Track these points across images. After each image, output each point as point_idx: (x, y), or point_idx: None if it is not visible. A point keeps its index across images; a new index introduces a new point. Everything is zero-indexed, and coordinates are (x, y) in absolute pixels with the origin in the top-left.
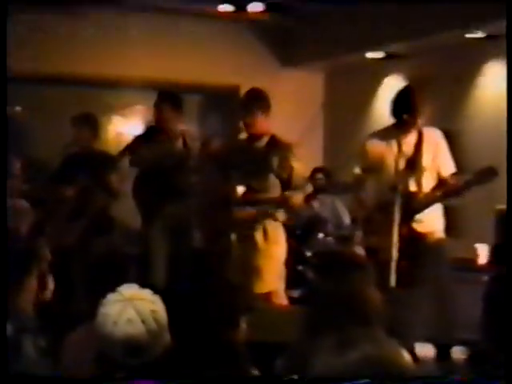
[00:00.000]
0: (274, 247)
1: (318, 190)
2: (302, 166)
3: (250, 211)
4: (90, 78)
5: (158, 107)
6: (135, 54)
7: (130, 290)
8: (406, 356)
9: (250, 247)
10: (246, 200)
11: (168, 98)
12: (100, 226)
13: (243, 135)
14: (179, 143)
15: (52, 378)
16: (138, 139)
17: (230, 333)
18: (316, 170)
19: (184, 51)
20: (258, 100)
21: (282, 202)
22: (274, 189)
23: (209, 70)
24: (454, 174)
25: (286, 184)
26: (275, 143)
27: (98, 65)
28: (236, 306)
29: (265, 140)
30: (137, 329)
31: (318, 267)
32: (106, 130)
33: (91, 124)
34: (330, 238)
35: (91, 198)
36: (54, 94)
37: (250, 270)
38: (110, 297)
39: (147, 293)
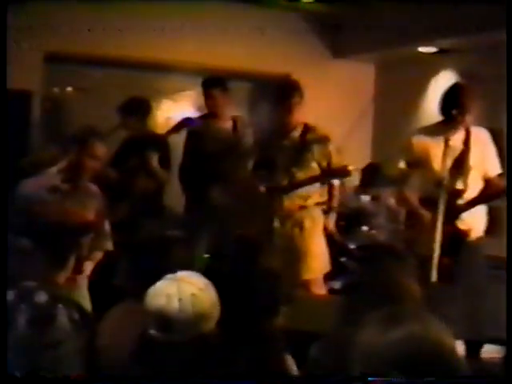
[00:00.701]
0: (320, 234)
1: (366, 183)
2: (339, 153)
3: (297, 198)
4: (141, 62)
5: (207, 92)
6: (186, 39)
7: (186, 273)
8: (452, 338)
9: (296, 233)
10: (294, 184)
11: (215, 82)
12: (147, 208)
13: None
14: (230, 128)
15: (52, 378)
16: (185, 120)
17: (268, 321)
18: (369, 166)
19: (235, 38)
20: (293, 89)
21: (331, 173)
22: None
23: (259, 58)
24: (500, 175)
25: (326, 172)
26: (310, 131)
27: (149, 49)
28: (277, 295)
29: (299, 129)
30: (170, 304)
31: (360, 259)
32: (156, 115)
33: (140, 110)
34: (373, 231)
35: (135, 179)
36: (104, 77)
37: (296, 256)
38: (167, 276)
39: (201, 281)
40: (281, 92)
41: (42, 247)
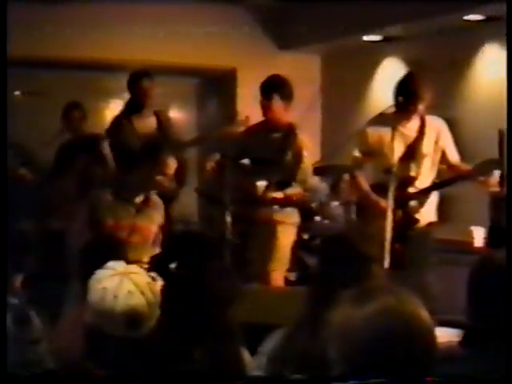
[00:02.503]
0: (291, 227)
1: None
2: (311, 161)
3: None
4: (88, 62)
5: (136, 84)
6: (131, 37)
7: (120, 264)
8: (425, 312)
9: (258, 228)
10: (268, 199)
11: (143, 73)
12: None
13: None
14: (153, 124)
15: (51, 378)
16: (117, 118)
17: (223, 314)
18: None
19: (180, 34)
20: (278, 85)
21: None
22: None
23: (205, 53)
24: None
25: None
26: (292, 135)
27: (95, 49)
28: (228, 289)
29: (282, 130)
30: (137, 300)
31: (323, 253)
32: (104, 114)
33: (79, 110)
34: (327, 221)
35: (91, 177)
36: (52, 79)
37: (264, 246)
38: (104, 273)
39: (136, 267)
40: (265, 86)
41: None
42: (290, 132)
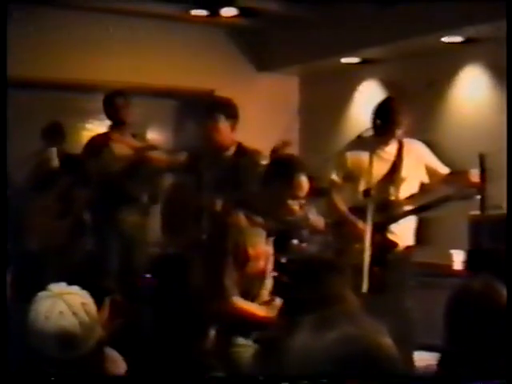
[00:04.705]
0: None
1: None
2: None
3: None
4: (64, 83)
5: (111, 104)
6: (109, 58)
7: (58, 286)
8: (388, 339)
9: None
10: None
11: (118, 93)
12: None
13: (208, 143)
14: (132, 146)
15: (52, 377)
16: (95, 140)
17: (198, 341)
18: None
19: (158, 56)
20: (222, 106)
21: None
22: None
23: (183, 75)
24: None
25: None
26: (243, 151)
27: (71, 69)
28: (204, 315)
29: (232, 149)
30: (69, 321)
31: (295, 273)
32: (81, 135)
33: (59, 132)
34: (304, 244)
35: (75, 194)
36: (27, 99)
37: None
38: (41, 294)
39: (76, 288)
40: (205, 110)
41: None
42: (240, 152)
